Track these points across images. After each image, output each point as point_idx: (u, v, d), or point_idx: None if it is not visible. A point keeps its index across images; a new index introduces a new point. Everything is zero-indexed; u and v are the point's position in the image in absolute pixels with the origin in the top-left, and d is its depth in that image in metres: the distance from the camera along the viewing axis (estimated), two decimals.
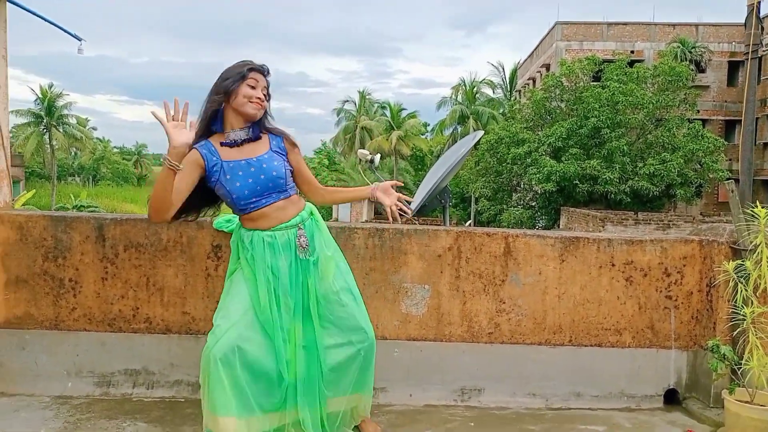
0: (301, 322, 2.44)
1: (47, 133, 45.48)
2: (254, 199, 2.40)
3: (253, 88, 2.38)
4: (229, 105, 2.39)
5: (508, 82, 45.53)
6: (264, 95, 2.42)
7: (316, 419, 2.46)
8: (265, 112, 2.47)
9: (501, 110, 40.46)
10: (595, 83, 23.83)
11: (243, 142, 2.42)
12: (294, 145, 2.55)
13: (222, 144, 2.40)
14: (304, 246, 2.45)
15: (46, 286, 3.05)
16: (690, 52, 28.45)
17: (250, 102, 2.37)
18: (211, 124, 2.43)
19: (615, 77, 22.87)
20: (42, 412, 2.80)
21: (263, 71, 2.44)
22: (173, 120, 2.26)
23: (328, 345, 2.47)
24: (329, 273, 2.51)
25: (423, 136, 48.25)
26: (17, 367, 3.05)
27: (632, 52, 29.89)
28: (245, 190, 2.38)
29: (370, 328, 2.56)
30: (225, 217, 3.07)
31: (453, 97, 43.38)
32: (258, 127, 2.47)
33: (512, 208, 25.49)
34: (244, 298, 2.38)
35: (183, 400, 3.02)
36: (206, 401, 2.31)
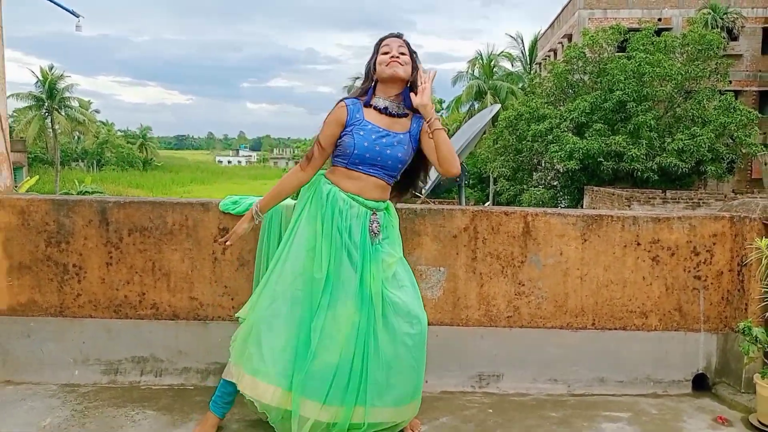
0: (357, 301, 2.44)
1: (49, 117, 45.89)
2: (367, 164, 2.52)
3: (386, 53, 2.53)
4: (376, 79, 2.57)
5: (527, 54, 44.99)
6: (401, 53, 2.53)
7: (345, 424, 2.41)
8: (415, 69, 2.57)
9: (520, 84, 40.03)
10: (620, 54, 23.43)
11: (386, 111, 2.55)
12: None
13: (368, 106, 2.56)
14: (376, 232, 2.54)
15: (49, 272, 3.09)
16: (721, 19, 27.83)
17: (387, 64, 2.51)
18: (365, 95, 2.59)
19: (641, 47, 22.46)
20: (49, 401, 2.86)
21: (395, 35, 2.60)
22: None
23: (382, 336, 2.45)
24: (391, 269, 2.55)
25: (438, 114, 47.97)
26: (23, 355, 3.10)
27: (659, 20, 29.32)
28: (367, 153, 2.50)
29: (424, 316, 2.56)
30: (232, 199, 3.09)
31: (469, 71, 42.96)
32: (409, 101, 2.55)
33: (533, 189, 25.30)
34: (299, 260, 2.48)
35: (192, 387, 3.07)
36: (248, 364, 2.44)
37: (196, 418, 2.71)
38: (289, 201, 2.99)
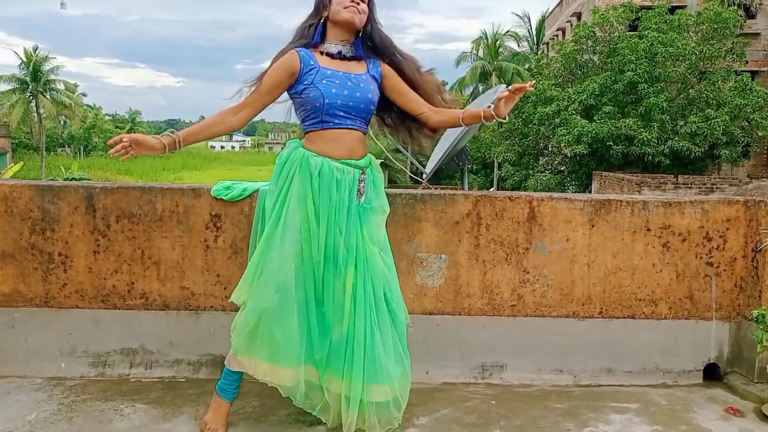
0: (354, 270, 2.42)
1: (34, 101, 45.70)
2: (341, 113, 2.42)
3: None
4: (327, 18, 2.44)
5: (534, 34, 44.81)
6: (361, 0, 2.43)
7: (356, 398, 2.41)
8: (372, 21, 2.48)
9: (527, 65, 39.85)
10: (631, 33, 23.32)
11: (339, 55, 2.46)
12: (397, 66, 2.54)
13: (320, 53, 2.46)
14: (362, 192, 2.49)
15: (34, 260, 3.09)
16: None
17: (345, 8, 2.39)
18: (310, 39, 2.47)
19: (654, 26, 22.34)
20: (34, 394, 2.87)
21: None
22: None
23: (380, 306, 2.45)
24: (381, 231, 2.54)
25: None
26: (7, 348, 3.11)
27: None
28: (338, 99, 2.40)
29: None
30: (224, 184, 3.09)
31: (473, 52, 42.82)
32: (361, 46, 2.50)
33: (539, 174, 25.29)
34: (295, 244, 2.40)
35: (183, 380, 3.08)
36: (263, 352, 2.40)
37: (187, 412, 2.72)
38: None
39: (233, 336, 2.47)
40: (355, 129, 2.47)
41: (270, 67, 2.45)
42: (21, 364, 3.10)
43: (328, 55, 2.46)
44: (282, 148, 2.57)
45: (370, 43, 2.53)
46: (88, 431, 2.53)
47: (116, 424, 2.61)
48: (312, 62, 2.42)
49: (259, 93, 2.44)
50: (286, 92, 2.49)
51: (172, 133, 2.43)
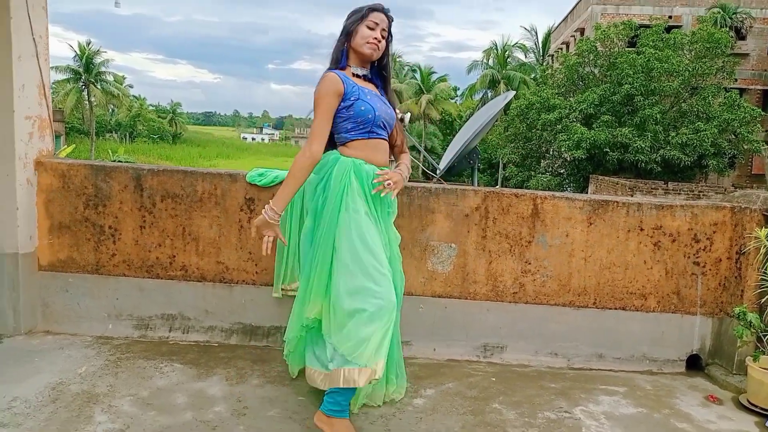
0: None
1: (86, 90, 46.01)
2: (381, 125, 2.46)
3: (371, 29, 2.41)
4: (350, 45, 2.45)
5: (540, 46, 44.34)
6: (383, 36, 2.45)
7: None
8: (386, 55, 2.51)
9: (533, 75, 39.51)
10: (630, 49, 23.00)
11: (364, 77, 2.49)
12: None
13: (351, 74, 2.47)
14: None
15: (87, 232, 3.13)
16: (731, 18, 27.19)
17: (367, 42, 2.41)
18: (339, 62, 2.48)
19: (651, 43, 22.02)
20: (84, 351, 2.91)
21: (384, 11, 2.45)
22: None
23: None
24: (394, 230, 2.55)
25: (452, 101, 47.57)
26: (61, 308, 3.16)
27: (670, 17, 28.68)
28: (381, 113, 2.44)
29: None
30: (258, 171, 3.10)
31: (484, 60, 42.47)
32: (377, 74, 2.54)
33: (540, 175, 25.09)
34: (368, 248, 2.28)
35: (216, 344, 3.11)
36: (378, 350, 2.16)
37: (219, 372, 2.75)
38: (312, 176, 2.99)
39: (357, 352, 2.13)
40: (385, 139, 2.51)
41: (320, 95, 2.35)
42: (73, 324, 3.14)
43: (357, 76, 2.46)
44: (323, 162, 2.45)
45: (384, 72, 2.56)
46: (131, 385, 2.57)
47: (156, 380, 2.64)
48: (350, 81, 2.41)
49: (326, 122, 2.36)
50: None
51: (271, 209, 2.32)
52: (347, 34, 2.44)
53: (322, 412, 2.24)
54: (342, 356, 2.17)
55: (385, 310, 2.17)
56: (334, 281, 2.28)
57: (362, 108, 2.38)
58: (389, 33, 2.48)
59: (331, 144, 2.47)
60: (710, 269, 3.19)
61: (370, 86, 2.49)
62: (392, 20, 2.49)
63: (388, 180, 2.34)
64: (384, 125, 2.47)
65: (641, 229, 3.16)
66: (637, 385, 2.97)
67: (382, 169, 2.42)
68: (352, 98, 2.39)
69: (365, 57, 2.44)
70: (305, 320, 2.38)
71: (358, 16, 2.42)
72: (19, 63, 2.96)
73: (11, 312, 3.03)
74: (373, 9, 2.44)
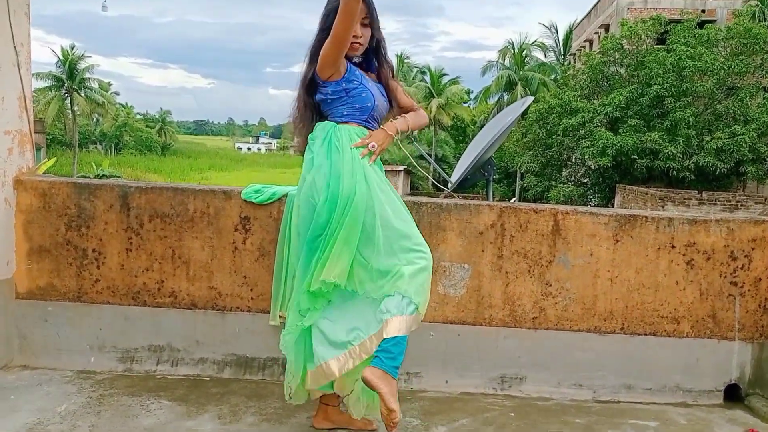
0: None
1: (68, 98, 46.58)
2: (374, 116, 2.57)
3: None
4: None
5: (561, 44, 44.53)
6: (364, 25, 2.48)
7: None
8: (377, 41, 2.56)
9: (553, 76, 39.63)
10: (659, 46, 23.05)
11: (362, 67, 2.58)
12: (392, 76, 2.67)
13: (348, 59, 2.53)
14: None
15: (69, 256, 3.16)
16: None
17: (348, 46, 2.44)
18: None
19: (682, 40, 22.08)
20: (65, 387, 2.93)
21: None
22: None
23: None
24: None
25: (465, 105, 47.75)
26: (40, 340, 3.18)
27: (703, 11, 28.78)
28: (376, 102, 2.55)
29: None
30: (254, 188, 3.13)
31: (500, 61, 42.64)
32: (371, 59, 2.60)
33: (561, 185, 25.07)
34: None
35: (208, 378, 3.12)
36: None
37: (211, 410, 2.76)
38: None
39: (420, 294, 2.34)
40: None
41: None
42: (53, 357, 3.16)
43: (354, 63, 2.56)
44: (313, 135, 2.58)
45: (375, 55, 2.62)
46: (115, 425, 2.58)
47: (142, 419, 2.65)
48: (350, 65, 2.51)
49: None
50: (327, 88, 2.50)
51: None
52: (327, 30, 2.42)
53: (380, 368, 2.28)
54: (402, 305, 2.30)
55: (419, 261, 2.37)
56: (377, 236, 2.37)
57: (363, 95, 2.51)
58: (373, 18, 2.51)
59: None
60: (749, 290, 3.18)
61: (372, 76, 2.61)
62: (371, 4, 2.49)
63: (372, 143, 2.48)
64: (378, 118, 2.59)
65: (672, 247, 3.16)
66: (670, 419, 2.95)
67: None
68: (355, 81, 2.49)
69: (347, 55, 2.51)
70: (320, 283, 2.38)
71: (334, 11, 2.39)
72: None
73: None
74: None
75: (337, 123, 2.53)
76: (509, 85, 39.49)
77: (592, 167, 23.56)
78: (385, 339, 2.29)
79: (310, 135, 2.59)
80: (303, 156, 2.60)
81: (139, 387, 2.97)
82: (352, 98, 2.50)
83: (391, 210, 2.44)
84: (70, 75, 46.14)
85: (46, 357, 3.16)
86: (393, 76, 2.70)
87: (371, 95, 2.51)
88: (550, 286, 3.16)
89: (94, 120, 60.48)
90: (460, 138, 45.84)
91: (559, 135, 23.67)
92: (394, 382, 2.30)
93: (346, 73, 2.49)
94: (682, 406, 3.12)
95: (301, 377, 2.52)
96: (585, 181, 25.21)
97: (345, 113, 2.52)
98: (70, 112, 47.28)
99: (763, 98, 21.69)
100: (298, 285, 2.50)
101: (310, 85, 2.54)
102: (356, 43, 2.48)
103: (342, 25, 2.32)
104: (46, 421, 2.58)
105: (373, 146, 2.49)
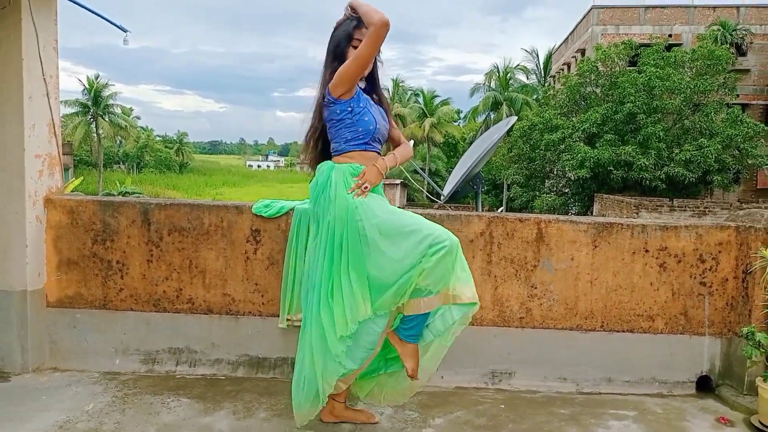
0: None
1: (94, 123, 46.62)
2: (377, 138, 2.51)
3: (356, 48, 2.39)
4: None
5: (542, 67, 44.66)
6: None
7: None
8: (375, 65, 2.53)
9: (535, 96, 39.71)
10: (631, 68, 23.15)
11: (365, 90, 2.54)
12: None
13: None
14: None
15: (95, 267, 3.16)
16: (731, 35, 27.35)
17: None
18: None
19: (651, 62, 22.16)
20: (92, 387, 2.92)
21: (361, 23, 2.39)
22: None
23: None
24: None
25: (456, 123, 47.82)
26: (68, 345, 3.17)
27: (670, 36, 28.90)
28: (378, 125, 2.49)
29: None
30: (264, 202, 3.13)
31: (486, 83, 42.76)
32: (370, 81, 2.57)
33: (545, 195, 25.07)
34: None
35: (223, 377, 3.11)
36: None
37: (226, 407, 2.75)
38: None
39: (440, 283, 2.34)
40: (379, 153, 2.56)
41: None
42: (80, 360, 3.15)
43: (360, 89, 2.51)
44: (320, 171, 2.50)
45: (371, 79, 2.58)
46: (138, 422, 2.56)
47: (163, 416, 2.64)
48: (359, 89, 2.47)
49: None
50: (336, 106, 2.43)
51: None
52: (339, 57, 2.42)
53: (403, 339, 2.40)
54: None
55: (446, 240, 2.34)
56: (381, 248, 2.32)
57: (366, 119, 2.45)
58: None
59: (322, 157, 2.54)
60: (717, 289, 3.18)
61: (369, 96, 2.56)
62: None
63: (365, 184, 2.40)
64: (380, 139, 2.54)
65: (646, 251, 3.16)
66: (647, 409, 2.94)
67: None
68: (361, 104, 2.45)
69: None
70: (367, 314, 2.31)
71: (345, 40, 2.41)
72: (30, 103, 3.02)
73: (19, 349, 3.04)
74: (357, 26, 2.41)
75: (339, 154, 2.47)
76: (495, 105, 39.57)
77: (572, 178, 23.56)
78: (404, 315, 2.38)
79: (315, 176, 2.50)
80: (312, 170, 2.57)
81: (161, 386, 2.96)
82: (356, 121, 2.43)
83: (386, 215, 2.37)
84: (95, 102, 46.20)
85: (75, 360, 3.15)
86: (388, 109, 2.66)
87: (373, 119, 2.46)
88: (536, 288, 3.16)
89: (118, 142, 60.46)
90: (452, 153, 45.87)
91: (541, 149, 23.70)
92: (409, 346, 2.40)
93: (355, 95, 2.44)
94: (658, 397, 3.11)
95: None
96: (566, 191, 25.21)
97: (349, 138, 2.45)
98: (95, 135, 47.29)
99: (727, 114, 21.77)
100: (318, 339, 2.38)
101: (322, 105, 2.48)
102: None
103: (369, 48, 2.32)
104: (74, 419, 2.56)
105: (366, 187, 2.40)
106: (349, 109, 2.43)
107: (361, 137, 2.46)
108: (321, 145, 2.58)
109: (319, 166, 2.52)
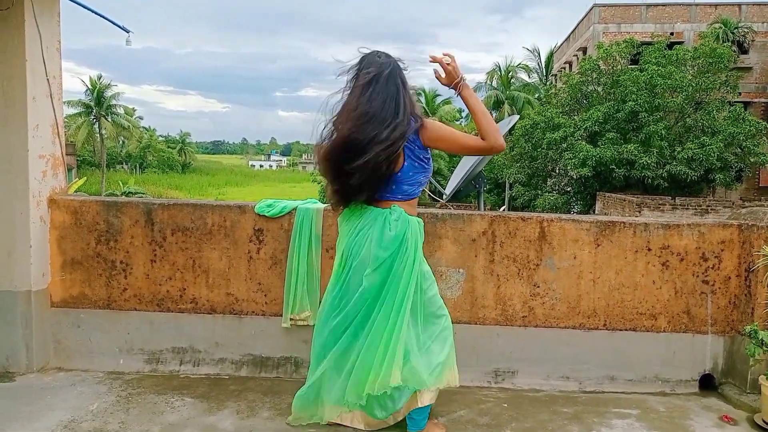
0: None
1: (97, 123, 46.71)
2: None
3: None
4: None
5: (543, 66, 44.59)
6: None
7: None
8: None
9: (536, 95, 39.67)
10: (632, 66, 23.09)
11: None
12: (423, 128, 2.38)
13: None
14: None
15: (99, 267, 3.16)
16: (732, 33, 27.27)
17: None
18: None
19: (653, 60, 22.11)
20: (96, 387, 2.92)
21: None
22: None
23: None
24: None
25: (458, 122, 47.80)
26: (73, 344, 3.18)
27: (672, 34, 28.83)
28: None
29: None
30: (266, 202, 3.14)
31: (488, 82, 42.71)
32: None
33: (547, 194, 25.04)
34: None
35: (227, 377, 3.11)
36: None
37: (230, 406, 2.75)
38: (320, 205, 3.03)
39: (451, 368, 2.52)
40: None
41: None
42: (85, 360, 3.16)
43: None
44: (396, 218, 2.37)
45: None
46: (142, 421, 2.57)
47: (167, 415, 2.64)
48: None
49: None
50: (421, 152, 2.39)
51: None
52: (404, 85, 2.37)
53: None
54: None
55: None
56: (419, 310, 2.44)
57: (433, 165, 2.51)
58: None
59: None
60: (720, 287, 3.17)
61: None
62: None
63: (452, 66, 2.40)
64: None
65: (649, 249, 3.15)
66: (650, 407, 2.93)
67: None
68: (428, 155, 2.44)
69: None
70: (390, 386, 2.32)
71: (403, 82, 2.37)
72: (33, 104, 3.02)
73: (24, 349, 3.05)
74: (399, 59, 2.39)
75: (410, 198, 2.42)
76: (497, 104, 39.52)
77: (574, 177, 23.53)
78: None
79: (388, 219, 2.37)
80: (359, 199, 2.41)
81: (165, 386, 2.96)
82: (428, 169, 2.43)
83: (431, 293, 2.49)
84: (98, 102, 46.29)
85: (79, 360, 3.16)
86: None
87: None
88: (538, 287, 3.16)
89: (121, 142, 60.56)
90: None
91: (543, 148, 23.67)
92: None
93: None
94: (661, 395, 3.11)
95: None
96: (568, 189, 25.17)
97: (422, 181, 2.43)
98: (98, 135, 47.39)
99: (729, 112, 21.71)
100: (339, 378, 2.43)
101: (405, 136, 2.30)
102: None
103: (470, 150, 2.55)
104: (79, 418, 2.57)
105: (450, 65, 2.40)
106: (430, 155, 2.45)
107: (424, 181, 2.47)
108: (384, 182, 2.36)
109: (392, 209, 2.37)
